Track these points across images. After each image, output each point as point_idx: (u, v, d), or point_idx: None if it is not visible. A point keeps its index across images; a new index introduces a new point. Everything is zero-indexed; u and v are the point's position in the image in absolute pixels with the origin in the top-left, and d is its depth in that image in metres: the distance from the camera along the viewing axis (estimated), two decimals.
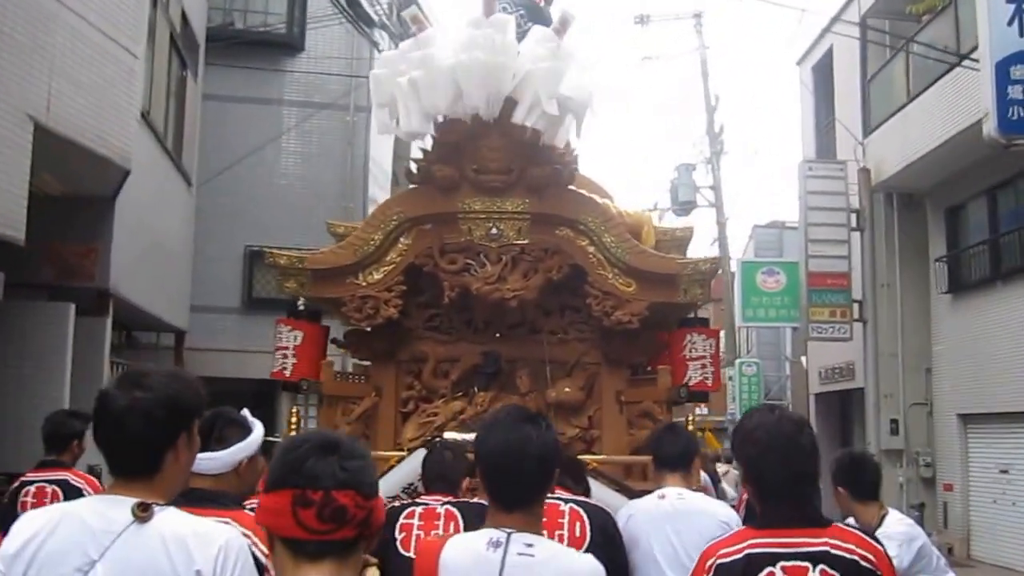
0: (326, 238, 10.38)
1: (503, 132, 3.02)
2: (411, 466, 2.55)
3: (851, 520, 2.46)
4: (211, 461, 1.72)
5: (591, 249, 3.09)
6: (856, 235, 10.40)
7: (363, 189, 11.05)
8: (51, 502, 2.66)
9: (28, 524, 1.31)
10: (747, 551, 1.49)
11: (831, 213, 10.26)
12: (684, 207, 16.97)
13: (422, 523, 2.05)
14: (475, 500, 2.09)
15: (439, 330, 3.30)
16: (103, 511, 1.29)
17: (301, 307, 3.13)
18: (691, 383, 3.11)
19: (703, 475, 6.45)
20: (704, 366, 3.14)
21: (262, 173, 11.04)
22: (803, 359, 14.45)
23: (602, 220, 3.10)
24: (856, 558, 1.46)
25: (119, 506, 1.28)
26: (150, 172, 7.25)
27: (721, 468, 10.07)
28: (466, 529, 1.93)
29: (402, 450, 2.81)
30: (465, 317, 3.29)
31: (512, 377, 3.18)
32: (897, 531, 2.61)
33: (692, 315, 3.39)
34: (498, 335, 3.24)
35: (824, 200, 10.38)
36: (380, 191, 10.91)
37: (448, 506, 2.08)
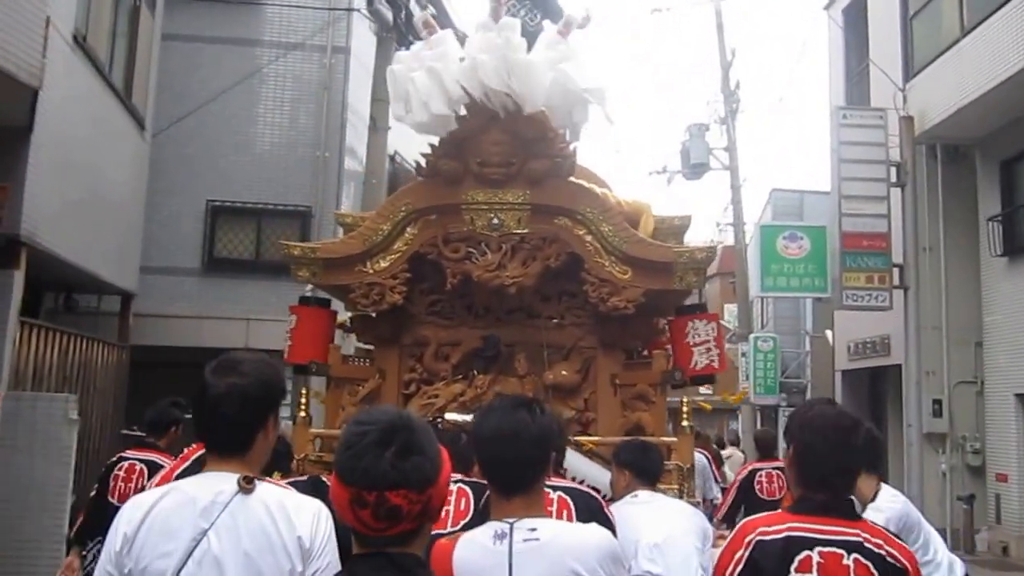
0: (298, 192, 10.78)
1: (505, 128, 3.81)
2: None
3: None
4: None
5: (588, 238, 3.89)
6: (896, 192, 11.05)
7: (340, 138, 11.84)
8: (138, 478, 3.82)
9: (138, 504, 1.78)
10: (787, 533, 1.95)
11: (868, 166, 10.91)
12: (696, 170, 18.01)
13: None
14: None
15: (441, 315, 4.15)
16: (208, 486, 1.76)
17: (309, 293, 3.94)
18: (698, 367, 3.93)
19: (698, 456, 7.34)
20: (709, 350, 3.96)
21: (228, 121, 11.85)
22: (828, 333, 15.36)
23: (600, 210, 3.89)
24: (884, 553, 1.93)
25: (222, 481, 1.76)
26: (85, 105, 7.49)
27: (726, 452, 11.12)
28: (476, 506, 2.67)
29: None
30: (466, 303, 4.13)
31: (511, 360, 3.99)
32: (889, 507, 3.33)
33: (691, 302, 4.25)
34: (498, 320, 4.06)
35: (860, 152, 11.03)
36: (358, 140, 11.77)
37: (461, 484, 2.77)
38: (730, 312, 28.03)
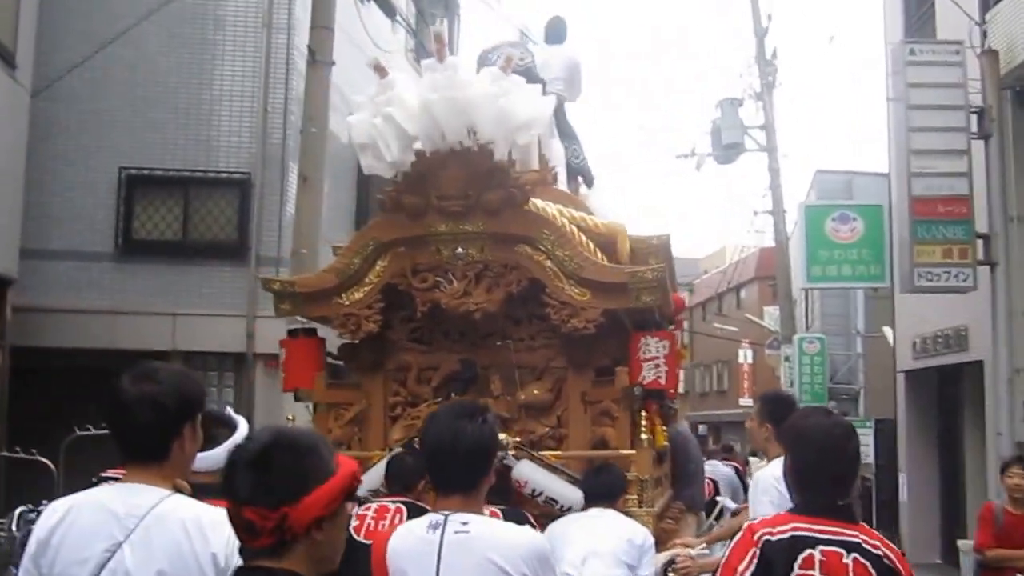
0: (234, 155, 13.11)
1: (461, 162, 6.15)
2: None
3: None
4: (207, 460, 3.39)
5: (548, 263, 6.24)
6: (978, 146, 12.61)
7: (285, 87, 13.91)
8: None
9: (53, 512, 2.82)
10: (792, 532, 3.23)
11: (943, 114, 12.59)
12: (728, 152, 21.33)
13: (375, 515, 5.24)
14: (422, 503, 5.12)
15: (420, 341, 6.65)
16: (125, 497, 2.77)
17: (296, 327, 6.44)
18: (645, 382, 6.33)
19: (726, 469, 11.07)
20: (657, 366, 6.37)
21: (144, 68, 13.93)
22: (886, 330, 17.91)
23: (556, 236, 6.26)
24: (880, 554, 3.21)
25: (139, 492, 2.76)
26: None
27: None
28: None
29: (391, 450, 6.07)
30: (443, 329, 6.59)
31: (487, 382, 6.43)
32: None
33: (659, 319, 6.72)
34: (473, 344, 6.49)
35: (932, 96, 12.72)
36: (299, 80, 13.03)
37: (399, 504, 5.18)
38: (770, 315, 31.22)
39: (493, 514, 4.70)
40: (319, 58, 11.52)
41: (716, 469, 13.76)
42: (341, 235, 15.34)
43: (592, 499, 5.77)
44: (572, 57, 8.73)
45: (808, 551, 3.35)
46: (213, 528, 2.76)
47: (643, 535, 5.67)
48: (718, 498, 11.18)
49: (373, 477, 5.81)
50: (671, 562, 6.06)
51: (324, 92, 11.70)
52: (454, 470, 3.50)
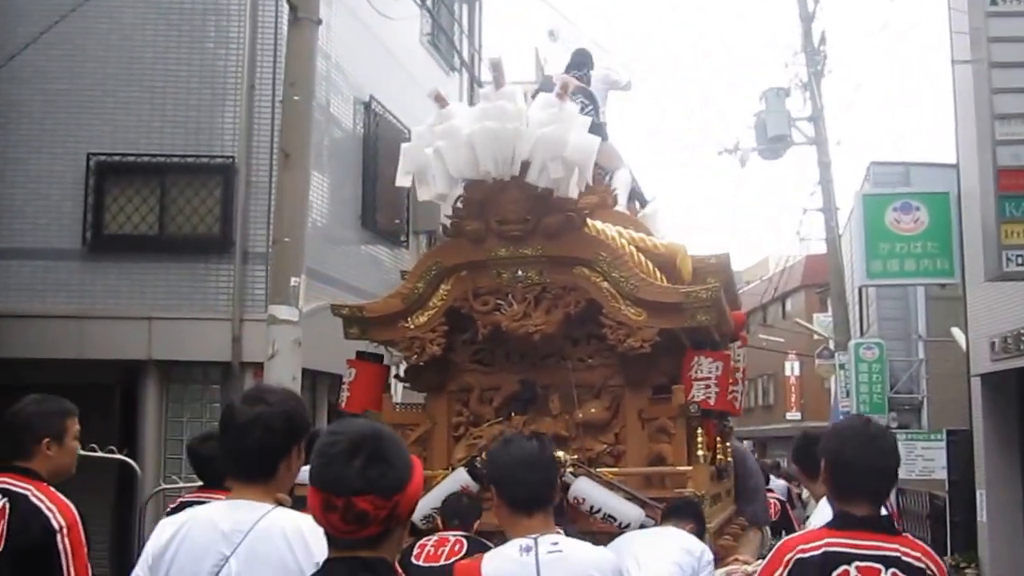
0: (216, 137, 15.68)
1: (520, 187, 7.99)
2: (453, 481, 7.69)
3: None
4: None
5: (604, 284, 8.07)
6: None
7: (273, 59, 15.27)
8: None
9: (166, 528, 3.82)
10: (824, 549, 3.93)
11: None
12: (775, 146, 24.45)
13: (435, 543, 7.04)
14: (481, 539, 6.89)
15: (482, 363, 8.60)
16: (231, 513, 3.71)
17: (368, 351, 8.54)
18: (694, 400, 8.15)
19: (778, 481, 13.93)
20: (707, 386, 8.22)
21: (114, 43, 15.31)
22: (955, 331, 20.10)
23: (612, 258, 8.09)
24: (922, 566, 3.87)
25: (244, 509, 3.71)
26: None
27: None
28: (469, 553, 6.69)
29: (453, 468, 7.93)
30: (504, 350, 8.53)
31: (546, 401, 8.32)
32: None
33: (717, 337, 8.64)
34: (533, 364, 8.40)
35: (1020, 51, 13.50)
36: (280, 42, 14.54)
37: (459, 536, 6.95)
38: (820, 323, 33.44)
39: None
40: (302, 15, 11.98)
41: (774, 482, 16.06)
42: (347, 232, 17.40)
43: (665, 518, 7.27)
44: (607, 75, 10.91)
45: (843, 567, 4.11)
46: (314, 537, 3.50)
47: (701, 549, 6.96)
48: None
49: (428, 501, 7.55)
50: None
51: (309, 54, 12.21)
52: (536, 487, 4.78)
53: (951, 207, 18.97)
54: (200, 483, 7.69)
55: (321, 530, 3.10)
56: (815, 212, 28.05)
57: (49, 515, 5.22)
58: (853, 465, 4.28)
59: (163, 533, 4.01)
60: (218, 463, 7.58)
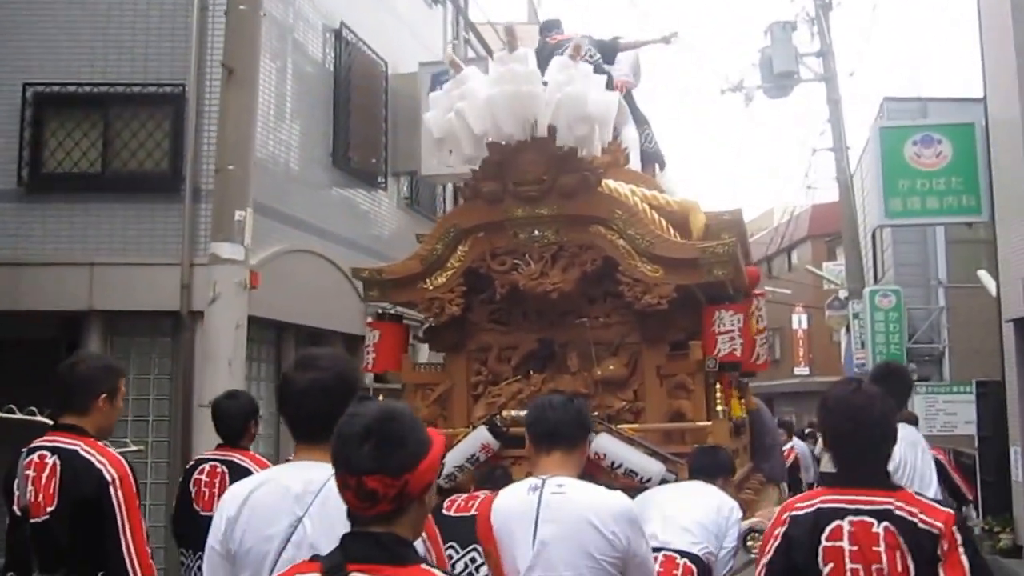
0: (164, 65, 16.41)
1: (536, 149, 9.07)
2: (474, 439, 8.82)
3: None
4: None
5: (620, 242, 9.13)
6: None
7: None
8: (220, 480, 8.83)
9: (236, 495, 4.52)
10: (818, 505, 4.71)
11: None
12: (781, 84, 25.56)
13: (465, 498, 8.19)
14: None
15: (500, 322, 9.79)
16: (300, 475, 4.45)
17: (386, 311, 9.68)
18: (720, 355, 9.20)
19: (802, 444, 16.60)
20: (732, 339, 9.24)
21: None
22: (982, 274, 20.28)
23: (628, 216, 9.13)
24: (916, 521, 4.52)
25: (311, 469, 4.42)
26: None
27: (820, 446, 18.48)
28: None
29: (473, 427, 9.04)
30: (521, 309, 9.66)
31: (564, 359, 9.50)
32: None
33: (733, 292, 9.62)
34: (551, 323, 9.51)
35: None
36: None
37: (488, 494, 7.32)
38: (830, 272, 34.61)
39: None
40: None
41: (796, 444, 17.71)
42: (316, 170, 17.88)
43: (693, 474, 8.15)
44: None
45: (836, 523, 4.78)
46: None
47: (730, 506, 7.74)
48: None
49: (450, 460, 8.64)
50: (751, 530, 7.90)
51: None
52: (558, 426, 5.73)
53: (976, 140, 19.87)
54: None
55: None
56: (825, 152, 29.76)
57: (101, 468, 6.06)
58: (843, 437, 5.03)
59: (233, 501, 4.64)
60: (234, 421, 8.96)
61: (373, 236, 20.79)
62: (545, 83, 9.32)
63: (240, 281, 11.92)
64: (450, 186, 24.04)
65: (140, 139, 15.81)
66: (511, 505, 5.68)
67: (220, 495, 8.05)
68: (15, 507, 6.18)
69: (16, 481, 6.26)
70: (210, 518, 7.76)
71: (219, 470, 8.98)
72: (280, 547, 4.50)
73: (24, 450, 6.36)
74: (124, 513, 6.16)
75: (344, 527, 3.82)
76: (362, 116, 19.80)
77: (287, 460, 5.05)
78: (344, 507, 3.85)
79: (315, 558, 3.58)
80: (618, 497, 5.73)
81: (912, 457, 9.09)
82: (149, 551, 6.29)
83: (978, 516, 20.15)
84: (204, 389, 11.91)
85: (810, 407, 38.62)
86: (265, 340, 16.97)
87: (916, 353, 25.74)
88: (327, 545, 3.79)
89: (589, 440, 6.83)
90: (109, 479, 6.09)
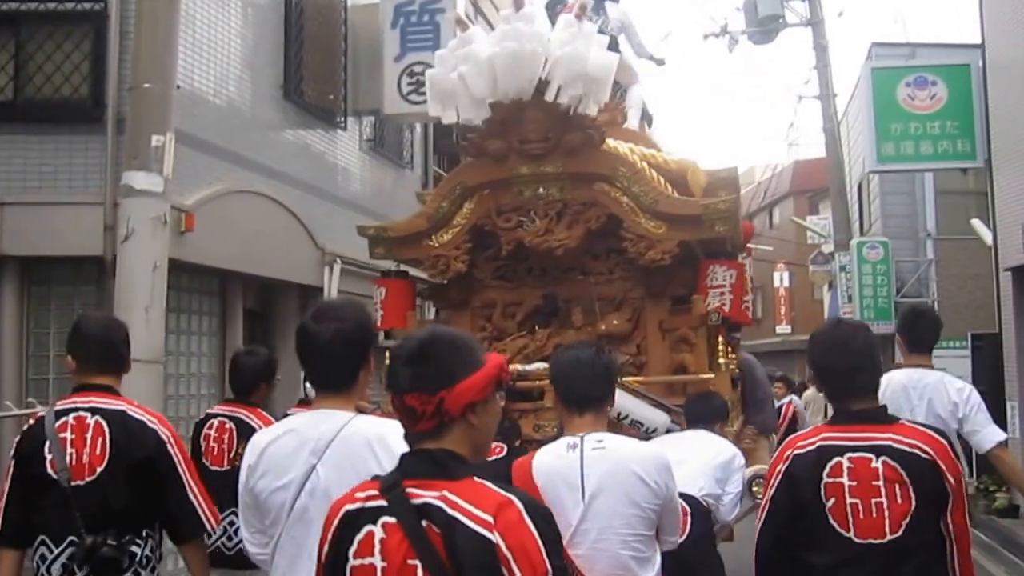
0: None
1: (540, 107, 9.23)
2: None
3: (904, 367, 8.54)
4: None
5: (624, 199, 9.34)
6: None
7: None
8: (228, 436, 9.27)
9: (259, 443, 4.90)
10: (819, 443, 5.11)
11: None
12: (766, 28, 25.48)
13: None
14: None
15: (504, 278, 9.99)
16: (315, 424, 4.74)
17: (392, 269, 9.96)
18: (709, 308, 9.47)
19: (797, 400, 17.76)
20: (722, 293, 9.56)
21: None
22: (976, 223, 20.27)
23: (631, 173, 9.33)
24: (916, 451, 4.94)
25: (327, 418, 4.75)
26: None
27: (808, 394, 19.17)
28: (508, 450, 8.27)
29: None
30: (526, 266, 9.88)
31: (568, 314, 9.69)
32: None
33: (730, 248, 9.96)
34: (555, 279, 9.73)
35: None
36: None
37: (498, 443, 8.21)
38: (814, 224, 34.53)
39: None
40: None
41: (793, 399, 18.20)
42: (264, 105, 16.95)
43: (691, 423, 8.53)
44: (626, 13, 12.68)
45: (836, 459, 5.08)
46: (397, 440, 4.04)
47: (733, 452, 8.21)
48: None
49: None
50: (756, 476, 8.47)
51: None
52: (589, 386, 5.91)
53: (972, 81, 19.86)
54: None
55: (400, 432, 3.83)
56: (811, 100, 29.40)
57: (155, 427, 6.32)
58: (833, 369, 5.39)
59: (253, 450, 4.96)
60: (246, 377, 9.38)
61: (332, 180, 19.71)
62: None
63: (158, 216, 10.92)
64: (419, 128, 23.41)
65: (56, 62, 14.19)
66: (552, 463, 5.87)
67: (228, 451, 9.17)
68: (49, 470, 6.21)
69: (47, 444, 6.26)
70: (218, 473, 8.86)
71: (227, 426, 9.40)
72: (296, 493, 4.75)
73: (46, 413, 6.43)
74: (184, 466, 6.47)
75: (357, 474, 4.17)
76: (317, 47, 18.42)
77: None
78: (356, 454, 4.43)
79: (375, 477, 3.77)
80: (654, 447, 6.20)
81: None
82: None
83: (972, 476, 19.61)
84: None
85: (792, 366, 39.42)
86: (208, 290, 16.11)
87: (904, 307, 24.92)
88: (340, 492, 3.97)
89: None
90: (165, 438, 6.36)
